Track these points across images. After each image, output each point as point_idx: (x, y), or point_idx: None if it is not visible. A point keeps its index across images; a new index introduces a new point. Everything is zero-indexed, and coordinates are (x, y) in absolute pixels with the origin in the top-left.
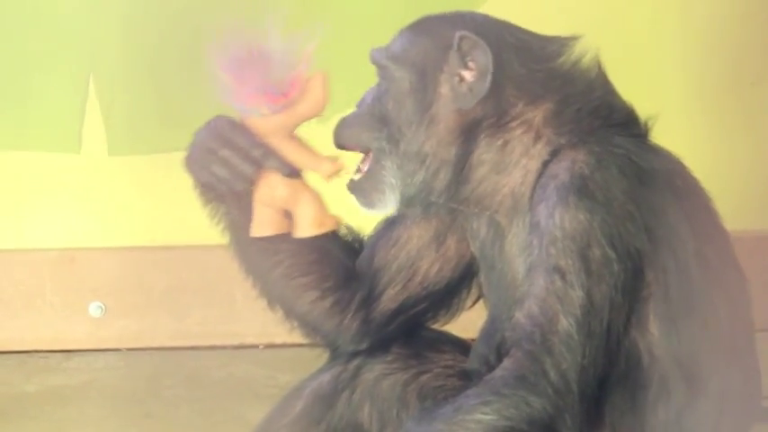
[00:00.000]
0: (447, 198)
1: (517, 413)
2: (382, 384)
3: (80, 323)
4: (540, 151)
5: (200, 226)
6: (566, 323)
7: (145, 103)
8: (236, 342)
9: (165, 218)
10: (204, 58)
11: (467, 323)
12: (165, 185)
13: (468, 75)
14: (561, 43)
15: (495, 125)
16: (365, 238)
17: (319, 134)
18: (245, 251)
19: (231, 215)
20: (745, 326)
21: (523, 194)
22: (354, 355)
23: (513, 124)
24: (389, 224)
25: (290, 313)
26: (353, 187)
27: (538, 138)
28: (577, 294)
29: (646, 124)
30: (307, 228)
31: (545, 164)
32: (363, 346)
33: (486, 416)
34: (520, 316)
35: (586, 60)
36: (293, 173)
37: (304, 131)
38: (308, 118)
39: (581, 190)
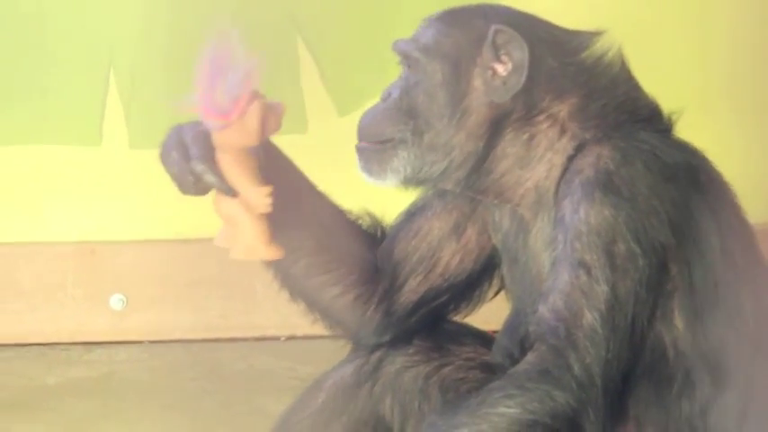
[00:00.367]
0: (463, 188)
1: (541, 407)
2: (404, 377)
3: (101, 315)
4: (566, 146)
5: (219, 218)
6: (590, 318)
7: (165, 96)
8: (257, 334)
9: (185, 211)
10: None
11: (488, 315)
12: None
13: (500, 68)
14: (585, 38)
15: (523, 119)
16: (387, 227)
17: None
18: None
19: None
20: None
21: (548, 189)
22: (376, 347)
23: (540, 118)
24: (410, 216)
25: (312, 307)
26: (362, 150)
27: (563, 132)
28: (602, 289)
29: (670, 119)
30: (238, 251)
31: (570, 159)
32: (385, 338)
33: (509, 409)
34: (544, 310)
35: (610, 55)
36: (232, 193)
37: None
38: (243, 146)
39: (606, 185)
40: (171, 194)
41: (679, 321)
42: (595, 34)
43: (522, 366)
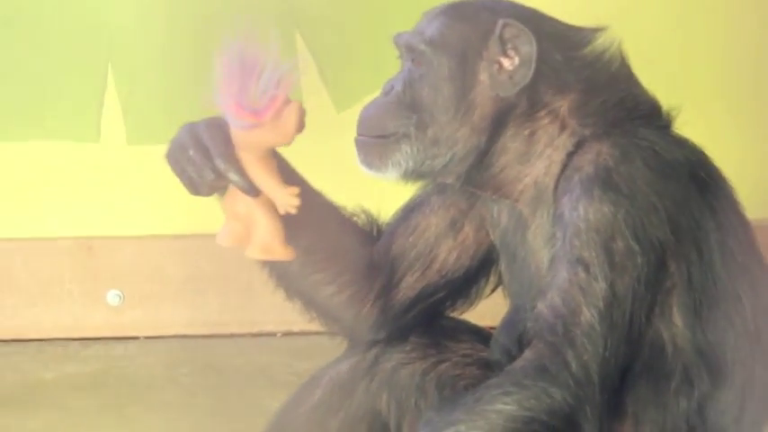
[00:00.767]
0: (463, 182)
1: (537, 404)
2: (401, 373)
3: (98, 311)
4: (565, 142)
5: (218, 215)
6: (588, 315)
7: (163, 92)
8: (253, 330)
9: (183, 206)
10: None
11: (484, 311)
12: None
13: (507, 62)
14: (587, 33)
15: (526, 114)
16: (382, 224)
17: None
18: None
19: None
20: None
21: (547, 185)
22: (373, 344)
23: (542, 113)
24: (408, 212)
25: (308, 305)
26: (361, 143)
27: (563, 128)
28: (600, 286)
29: (669, 115)
30: (253, 250)
31: (569, 155)
32: (382, 335)
33: (506, 406)
34: (542, 307)
35: (610, 52)
36: (255, 192)
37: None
38: (274, 146)
39: (605, 182)
40: (168, 191)
41: (677, 318)
42: (597, 30)
43: (519, 363)
